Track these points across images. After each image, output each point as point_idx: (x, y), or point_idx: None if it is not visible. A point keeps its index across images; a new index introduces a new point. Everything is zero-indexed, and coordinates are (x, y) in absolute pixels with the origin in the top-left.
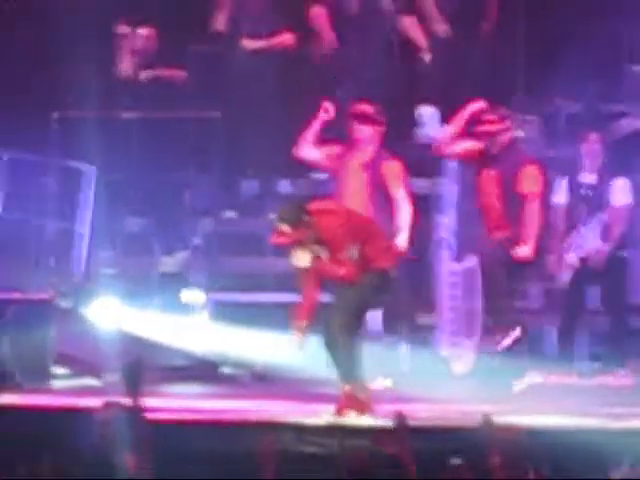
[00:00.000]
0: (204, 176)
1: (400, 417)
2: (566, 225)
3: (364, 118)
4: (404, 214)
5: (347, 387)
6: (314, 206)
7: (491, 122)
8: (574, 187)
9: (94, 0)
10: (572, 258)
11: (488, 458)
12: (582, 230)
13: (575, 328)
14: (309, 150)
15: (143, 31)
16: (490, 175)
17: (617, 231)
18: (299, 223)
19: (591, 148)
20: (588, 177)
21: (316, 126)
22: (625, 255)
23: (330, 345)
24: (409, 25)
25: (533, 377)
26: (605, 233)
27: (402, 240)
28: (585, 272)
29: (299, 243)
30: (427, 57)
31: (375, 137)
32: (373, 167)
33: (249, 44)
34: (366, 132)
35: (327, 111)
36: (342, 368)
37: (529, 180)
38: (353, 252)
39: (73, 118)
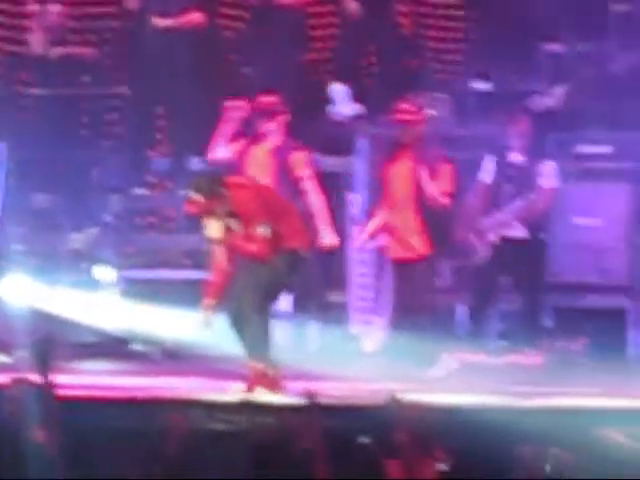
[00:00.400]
0: (114, 153)
1: (310, 395)
2: (490, 204)
3: (267, 112)
4: (315, 204)
5: (256, 365)
6: (229, 179)
7: (406, 111)
8: (501, 166)
9: None
10: (492, 237)
11: (394, 436)
12: (505, 210)
13: (487, 307)
14: (220, 150)
15: (54, 8)
16: (402, 163)
17: (539, 212)
18: (213, 194)
19: (520, 129)
20: (516, 157)
21: (225, 129)
22: (543, 237)
23: (239, 323)
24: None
25: (448, 363)
26: (528, 213)
27: (325, 232)
28: (503, 251)
29: (212, 214)
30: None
31: (280, 128)
32: (279, 157)
33: (159, 22)
34: (271, 125)
35: (233, 113)
36: (252, 346)
37: (443, 180)
38: (265, 229)
39: None
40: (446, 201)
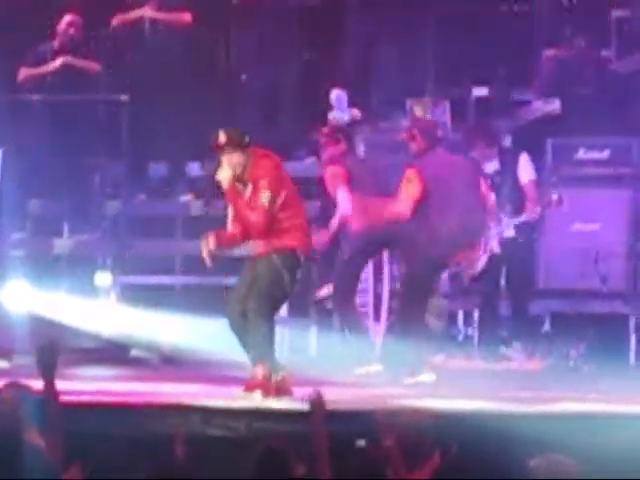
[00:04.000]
0: (113, 159)
1: (317, 399)
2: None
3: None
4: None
5: (260, 370)
6: (259, 149)
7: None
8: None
9: None
10: (492, 244)
11: (385, 440)
12: (508, 221)
13: (485, 312)
14: None
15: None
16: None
17: (532, 206)
18: (239, 144)
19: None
20: (490, 166)
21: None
22: (532, 240)
23: (242, 327)
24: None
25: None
26: (520, 212)
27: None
28: (497, 256)
29: (229, 161)
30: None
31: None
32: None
33: (151, 14)
34: (330, 151)
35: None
36: (255, 351)
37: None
38: (268, 197)
39: None
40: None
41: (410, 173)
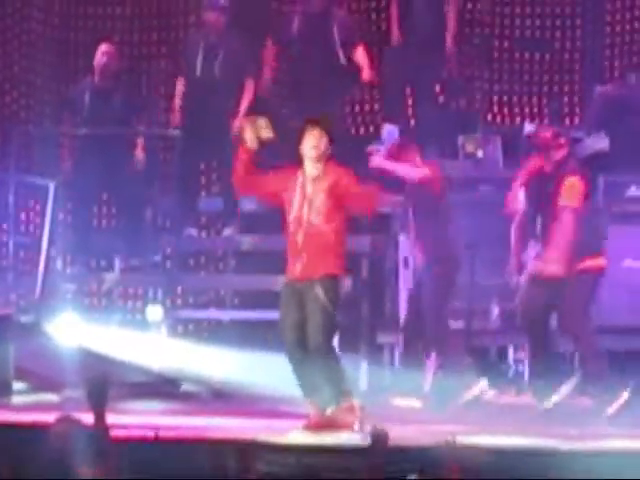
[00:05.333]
0: (165, 193)
1: (380, 434)
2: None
3: None
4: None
5: (332, 407)
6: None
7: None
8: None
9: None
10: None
11: (445, 476)
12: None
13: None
14: None
15: (104, 47)
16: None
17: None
18: (331, 135)
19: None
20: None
21: None
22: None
23: (299, 359)
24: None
25: (480, 388)
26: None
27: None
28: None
29: (315, 137)
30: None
31: None
32: None
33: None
34: None
35: None
36: (329, 388)
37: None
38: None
39: (36, 133)
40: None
41: (575, 181)
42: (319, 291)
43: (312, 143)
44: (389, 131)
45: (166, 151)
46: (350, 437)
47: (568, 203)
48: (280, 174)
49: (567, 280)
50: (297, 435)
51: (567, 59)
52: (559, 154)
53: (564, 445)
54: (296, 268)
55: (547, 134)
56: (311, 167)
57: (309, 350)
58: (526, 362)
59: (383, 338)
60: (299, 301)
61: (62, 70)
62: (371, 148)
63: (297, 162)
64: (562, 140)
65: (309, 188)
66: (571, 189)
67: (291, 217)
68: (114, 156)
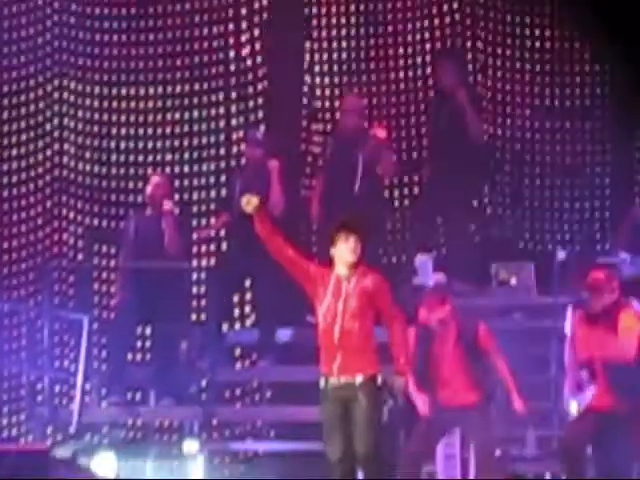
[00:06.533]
0: (199, 327)
1: None
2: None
3: None
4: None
5: None
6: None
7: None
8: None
9: None
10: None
11: None
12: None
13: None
14: None
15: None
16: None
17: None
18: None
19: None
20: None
21: None
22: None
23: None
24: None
25: None
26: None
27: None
28: (588, 419)
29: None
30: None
31: None
32: None
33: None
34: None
35: None
36: None
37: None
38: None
39: (69, 267)
40: None
41: (632, 312)
42: (362, 400)
43: (351, 247)
44: (422, 261)
45: (200, 284)
46: None
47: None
48: (316, 264)
49: (621, 416)
50: None
51: (597, 184)
52: (611, 298)
53: None
54: (333, 368)
55: (600, 276)
56: (346, 269)
57: (358, 461)
58: None
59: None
60: (342, 413)
61: (95, 204)
62: None
63: (328, 263)
64: (615, 284)
65: (344, 288)
66: (631, 318)
67: (324, 313)
68: (155, 289)
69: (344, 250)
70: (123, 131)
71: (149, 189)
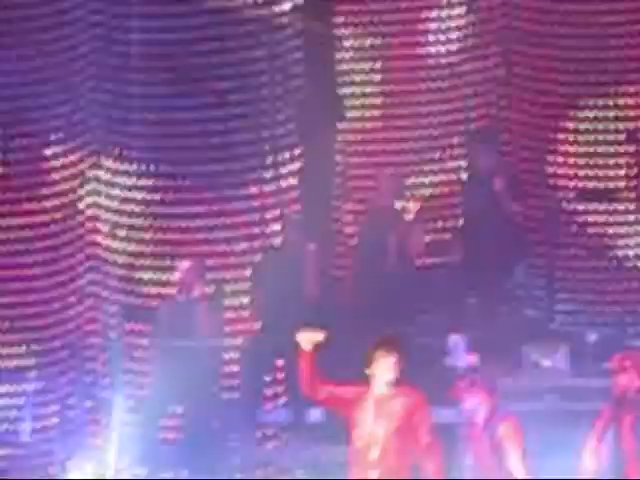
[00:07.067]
0: (231, 405)
1: None
2: None
3: None
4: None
5: None
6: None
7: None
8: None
9: None
10: None
11: None
12: None
13: None
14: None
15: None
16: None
17: None
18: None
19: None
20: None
21: None
22: None
23: None
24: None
25: None
26: None
27: None
28: None
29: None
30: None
31: None
32: None
33: None
34: None
35: None
36: None
37: None
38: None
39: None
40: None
41: None
42: None
43: (389, 366)
44: (454, 341)
45: (231, 363)
46: None
47: None
48: (350, 386)
49: None
50: None
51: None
52: None
53: None
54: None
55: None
56: (385, 388)
57: None
58: None
59: None
60: None
61: (129, 282)
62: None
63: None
64: None
65: (384, 407)
66: None
67: (363, 432)
68: (187, 368)
69: (384, 369)
70: (157, 209)
71: (178, 275)
